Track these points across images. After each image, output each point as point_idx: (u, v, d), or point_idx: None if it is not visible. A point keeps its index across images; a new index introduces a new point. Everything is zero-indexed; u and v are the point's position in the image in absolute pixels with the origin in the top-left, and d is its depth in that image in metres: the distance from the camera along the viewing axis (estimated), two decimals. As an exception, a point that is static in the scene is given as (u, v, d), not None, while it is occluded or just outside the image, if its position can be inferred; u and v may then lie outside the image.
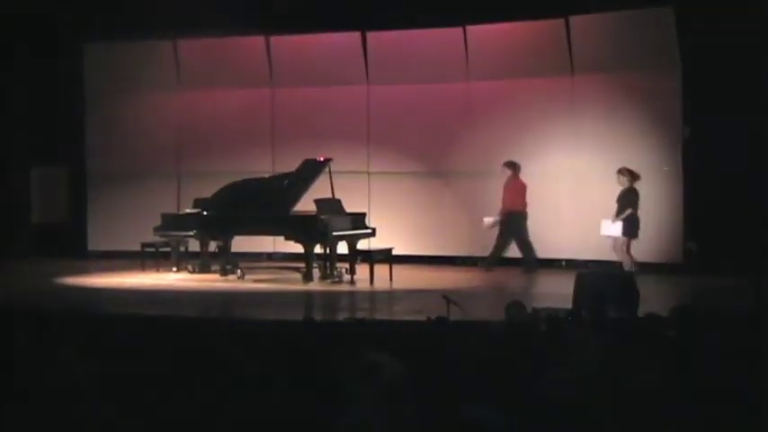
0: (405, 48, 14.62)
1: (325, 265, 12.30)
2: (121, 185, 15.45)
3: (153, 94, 15.56)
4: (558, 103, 13.76)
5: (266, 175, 13.44)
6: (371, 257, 12.12)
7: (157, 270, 13.25)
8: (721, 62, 12.21)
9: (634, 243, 12.23)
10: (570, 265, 13.19)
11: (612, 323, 6.86)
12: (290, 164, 12.91)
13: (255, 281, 12.43)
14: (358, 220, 12.69)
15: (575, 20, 13.57)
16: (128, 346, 5.96)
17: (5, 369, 4.79)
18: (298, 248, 12.20)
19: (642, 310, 7.83)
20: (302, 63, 15.04)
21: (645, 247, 12.53)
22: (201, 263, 13.19)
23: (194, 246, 13.51)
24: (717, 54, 12.22)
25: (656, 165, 12.93)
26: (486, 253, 13.71)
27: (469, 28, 14.28)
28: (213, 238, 13.18)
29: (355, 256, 12.35)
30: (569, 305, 8.36)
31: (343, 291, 11.74)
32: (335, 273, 12.27)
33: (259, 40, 15.24)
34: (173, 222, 13.25)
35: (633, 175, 12.29)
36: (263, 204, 12.22)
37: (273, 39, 15.19)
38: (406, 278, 12.45)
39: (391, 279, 12.12)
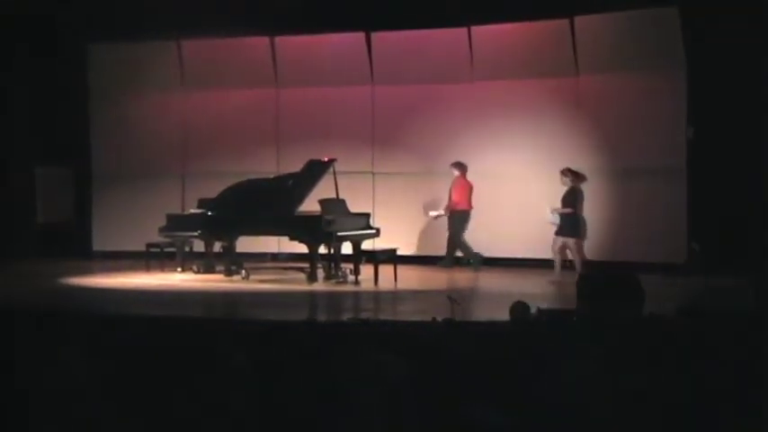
0: (409, 48, 14.64)
1: (330, 265, 12.31)
2: (126, 186, 15.50)
3: (157, 95, 15.60)
4: (562, 103, 13.76)
5: (271, 176, 13.44)
6: (376, 258, 12.11)
7: (162, 270, 13.29)
8: (726, 62, 12.20)
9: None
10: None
11: (615, 323, 6.84)
12: (295, 164, 12.92)
13: (260, 281, 12.43)
14: (362, 220, 12.70)
15: (579, 20, 13.59)
16: (131, 346, 5.96)
17: (7, 369, 4.80)
18: (302, 249, 12.21)
19: (646, 310, 7.81)
20: (307, 63, 15.06)
21: (649, 247, 12.54)
22: (206, 263, 13.22)
23: (199, 246, 13.55)
24: (721, 54, 12.22)
25: (661, 165, 12.93)
26: (487, 253, 13.82)
27: (474, 28, 14.29)
28: (218, 239, 13.21)
29: (360, 256, 12.34)
30: (572, 306, 8.35)
31: (348, 291, 11.72)
32: (340, 273, 12.29)
33: (263, 41, 15.26)
34: (177, 223, 13.26)
35: (577, 176, 12.33)
36: (268, 205, 12.21)
37: (278, 39, 15.21)
38: (410, 278, 12.44)
39: (396, 279, 12.11)
